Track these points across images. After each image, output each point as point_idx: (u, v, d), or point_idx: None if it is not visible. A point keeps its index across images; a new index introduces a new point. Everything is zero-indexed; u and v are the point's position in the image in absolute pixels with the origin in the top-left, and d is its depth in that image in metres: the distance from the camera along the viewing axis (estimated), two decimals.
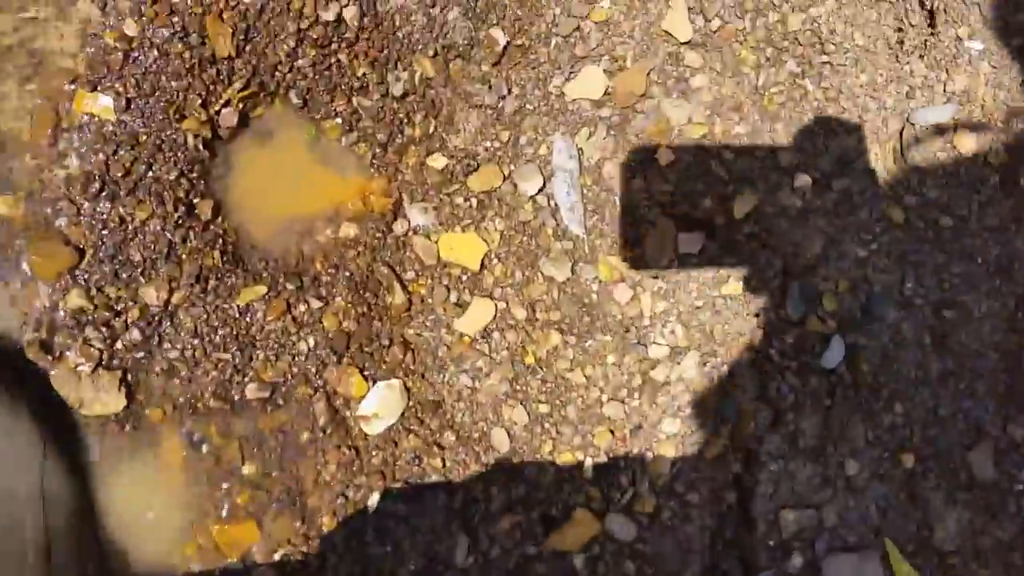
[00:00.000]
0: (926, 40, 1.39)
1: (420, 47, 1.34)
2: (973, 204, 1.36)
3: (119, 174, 1.21)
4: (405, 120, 1.35)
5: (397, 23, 1.33)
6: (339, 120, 1.33)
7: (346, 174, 1.34)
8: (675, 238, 1.35)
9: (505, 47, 1.36)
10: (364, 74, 1.32)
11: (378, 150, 1.34)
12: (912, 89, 1.38)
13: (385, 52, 1.32)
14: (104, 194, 1.21)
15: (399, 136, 1.35)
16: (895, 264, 1.34)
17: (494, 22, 1.36)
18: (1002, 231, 1.36)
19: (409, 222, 1.35)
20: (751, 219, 1.35)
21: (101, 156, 1.20)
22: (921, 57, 1.39)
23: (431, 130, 1.35)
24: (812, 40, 1.37)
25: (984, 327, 1.34)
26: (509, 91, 1.36)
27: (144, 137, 1.22)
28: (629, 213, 1.35)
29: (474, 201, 1.35)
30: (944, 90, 1.38)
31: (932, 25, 1.38)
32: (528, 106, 1.36)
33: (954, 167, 1.37)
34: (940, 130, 1.38)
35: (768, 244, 1.35)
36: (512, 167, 1.36)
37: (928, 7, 1.38)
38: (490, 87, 1.35)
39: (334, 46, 1.30)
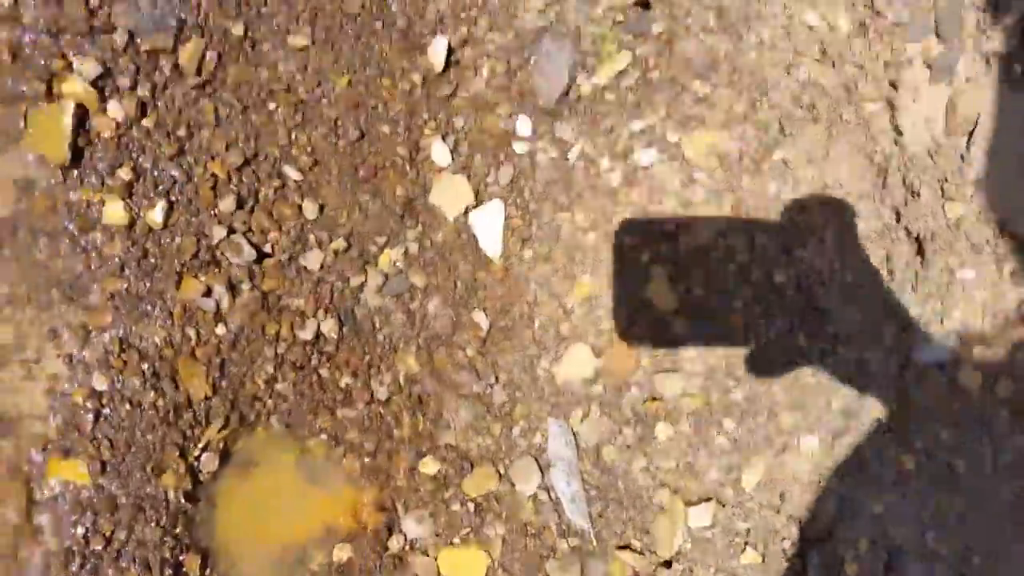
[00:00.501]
0: (916, 272, 1.34)
1: (402, 344, 1.30)
2: (985, 441, 1.32)
3: (99, 545, 1.14)
4: (393, 423, 1.30)
5: (377, 324, 1.29)
6: (324, 436, 1.27)
7: (335, 490, 1.28)
8: (685, 513, 1.29)
9: (488, 330, 1.31)
10: (347, 384, 1.27)
11: (367, 459, 1.28)
12: (909, 325, 1.34)
13: (367, 358, 1.27)
14: (86, 568, 1.14)
15: (387, 441, 1.29)
16: (914, 515, 1.30)
17: (475, 305, 1.32)
18: (1019, 466, 1.31)
19: (405, 536, 1.28)
20: (761, 487, 1.30)
21: (80, 529, 1.14)
22: (913, 290, 1.35)
23: (420, 428, 1.30)
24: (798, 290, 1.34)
25: (1015, 569, 1.28)
26: (497, 379, 1.31)
27: (123, 499, 1.16)
28: (634, 495, 1.29)
29: (471, 506, 1.29)
30: (942, 323, 1.34)
31: (921, 254, 1.33)
32: (518, 393, 1.31)
33: (961, 404, 1.33)
34: (942, 367, 1.33)
35: (781, 511, 1.30)
36: (507, 462, 1.30)
37: (915, 235, 1.34)
38: (478, 375, 1.30)
39: (314, 362, 1.25)
